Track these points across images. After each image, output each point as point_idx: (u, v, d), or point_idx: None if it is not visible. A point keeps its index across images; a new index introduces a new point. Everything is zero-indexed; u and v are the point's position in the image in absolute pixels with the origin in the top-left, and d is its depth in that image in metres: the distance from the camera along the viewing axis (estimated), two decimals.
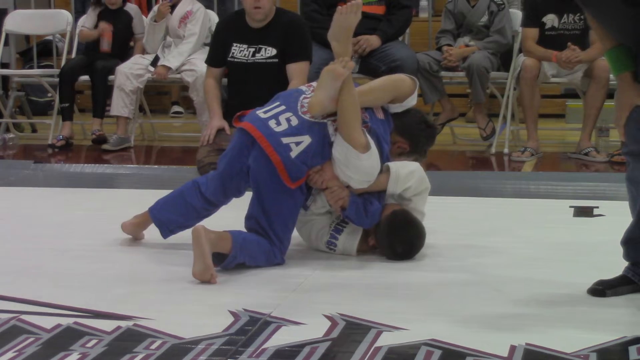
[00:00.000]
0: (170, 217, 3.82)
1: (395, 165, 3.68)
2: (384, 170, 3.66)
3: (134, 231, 3.97)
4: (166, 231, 3.82)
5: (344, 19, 3.57)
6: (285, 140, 3.54)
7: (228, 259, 3.45)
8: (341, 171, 3.58)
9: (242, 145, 3.64)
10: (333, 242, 3.75)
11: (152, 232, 4.15)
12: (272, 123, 3.59)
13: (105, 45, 7.19)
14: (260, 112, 3.67)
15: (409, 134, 3.81)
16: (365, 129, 3.60)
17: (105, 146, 6.88)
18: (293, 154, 3.53)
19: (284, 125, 3.58)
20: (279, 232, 3.58)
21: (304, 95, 3.68)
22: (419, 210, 3.77)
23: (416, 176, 3.72)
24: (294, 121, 3.59)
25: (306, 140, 3.55)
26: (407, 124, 3.80)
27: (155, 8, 7.12)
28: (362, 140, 3.53)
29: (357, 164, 3.54)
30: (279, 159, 3.52)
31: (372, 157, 3.57)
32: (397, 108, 3.79)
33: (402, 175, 3.67)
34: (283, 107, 3.65)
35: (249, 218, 3.63)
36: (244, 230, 3.62)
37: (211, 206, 3.82)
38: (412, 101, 3.81)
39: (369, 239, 3.76)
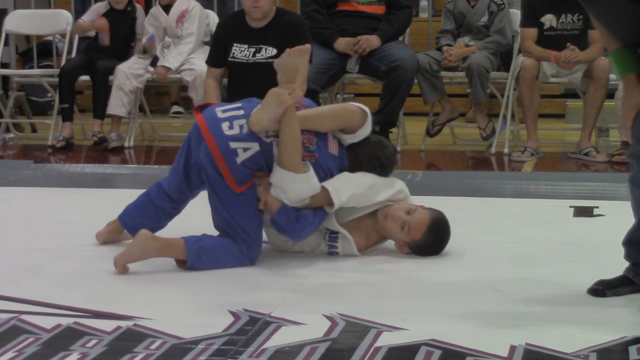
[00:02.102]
0: (141, 221, 3.81)
1: (327, 183, 3.61)
2: (320, 191, 3.60)
3: (109, 239, 3.98)
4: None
5: (291, 61, 3.59)
6: (233, 145, 3.52)
7: (187, 265, 3.50)
8: (277, 194, 3.55)
9: (194, 139, 3.64)
10: (334, 246, 3.75)
11: None
12: (224, 125, 3.57)
13: (105, 39, 7.18)
14: (219, 110, 3.64)
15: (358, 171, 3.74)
16: (311, 159, 3.58)
17: (113, 144, 6.90)
18: (239, 160, 3.51)
19: (236, 130, 3.55)
20: (242, 224, 3.55)
21: None
22: (395, 191, 3.75)
23: (353, 181, 3.66)
24: (246, 128, 3.56)
25: (254, 147, 3.53)
26: (358, 159, 3.73)
27: (140, 46, 7.11)
28: (299, 164, 3.51)
29: (290, 186, 3.51)
30: (224, 164, 3.51)
31: (309, 181, 3.53)
32: (351, 139, 3.72)
33: (339, 185, 3.62)
34: (242, 112, 3.61)
35: (213, 217, 3.63)
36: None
37: (178, 204, 3.85)
38: (365, 131, 3.73)
39: (401, 247, 3.75)
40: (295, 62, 3.59)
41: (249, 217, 3.57)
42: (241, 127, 3.56)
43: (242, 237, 3.56)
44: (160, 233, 3.69)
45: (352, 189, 3.64)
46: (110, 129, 7.04)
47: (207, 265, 3.52)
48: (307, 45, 3.61)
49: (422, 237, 3.69)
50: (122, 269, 3.47)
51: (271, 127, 3.53)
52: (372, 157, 3.75)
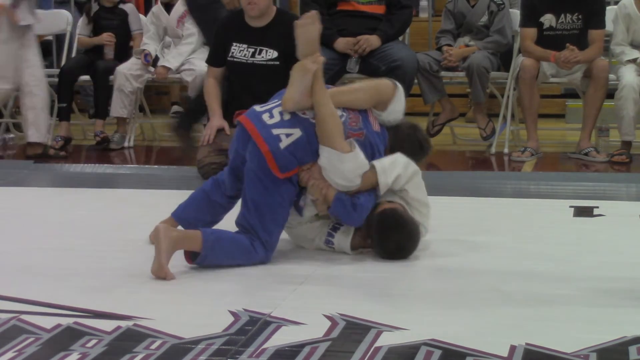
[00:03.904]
0: (195, 215, 3.84)
1: (376, 161, 3.65)
2: (369, 169, 3.63)
3: None
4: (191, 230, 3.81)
5: (305, 32, 3.60)
6: (275, 131, 3.56)
7: (199, 257, 3.48)
8: (328, 178, 3.58)
9: (240, 139, 3.67)
10: (330, 241, 3.75)
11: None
12: (265, 116, 3.62)
13: (110, 54, 7.21)
14: (257, 107, 3.71)
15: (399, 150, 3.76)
16: (360, 137, 3.61)
17: (112, 145, 6.92)
18: (282, 145, 3.54)
19: (277, 118, 3.60)
20: (268, 226, 3.56)
21: None
22: (418, 199, 3.74)
23: (401, 162, 3.69)
24: (287, 115, 3.61)
25: (297, 133, 3.57)
26: (400, 143, 3.76)
27: (137, 50, 7.13)
28: (342, 143, 3.54)
29: (340, 167, 3.54)
30: (267, 149, 3.53)
31: (357, 159, 3.56)
32: (387, 116, 3.76)
33: (387, 165, 3.64)
34: (278, 102, 3.68)
35: (240, 213, 3.64)
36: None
37: (233, 198, 3.84)
38: (398, 106, 3.77)
39: (367, 239, 3.75)
40: (310, 32, 3.60)
41: (277, 220, 3.59)
42: (281, 114, 3.61)
43: (260, 236, 3.56)
44: None
45: (398, 169, 3.65)
46: (116, 129, 7.07)
47: (219, 258, 3.50)
48: (314, 11, 3.60)
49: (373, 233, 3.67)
50: (170, 273, 3.38)
51: (303, 102, 3.56)
52: (412, 138, 3.81)
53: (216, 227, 3.80)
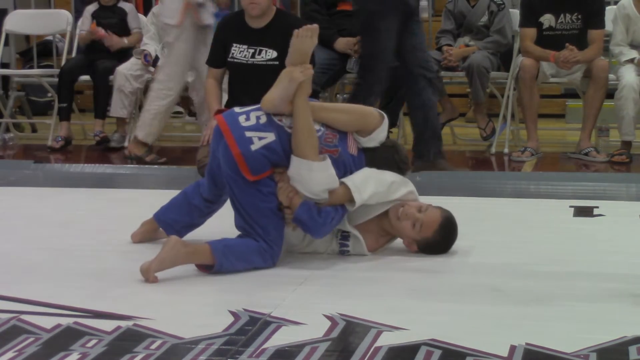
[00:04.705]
0: (175, 218, 3.88)
1: (346, 178, 3.63)
2: (339, 185, 3.60)
3: (144, 238, 4.00)
4: (172, 232, 3.82)
5: (301, 42, 3.61)
6: (248, 133, 3.55)
7: (215, 267, 3.47)
8: (293, 184, 3.56)
9: (214, 139, 3.67)
10: (346, 250, 3.76)
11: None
12: (241, 118, 3.61)
13: (110, 42, 7.20)
14: (237, 108, 3.70)
15: None
16: (334, 154, 3.60)
17: (112, 144, 6.93)
18: (254, 147, 3.52)
19: (252, 121, 3.59)
20: (261, 222, 3.54)
21: None
22: (408, 191, 3.76)
23: (372, 178, 3.67)
24: (263, 119, 3.60)
25: (270, 137, 3.55)
26: (376, 163, 3.74)
27: (136, 51, 7.13)
28: (314, 155, 3.52)
29: (307, 176, 3.51)
30: (238, 151, 3.52)
31: (326, 171, 3.54)
32: (367, 142, 3.74)
33: (359, 182, 3.62)
34: (258, 106, 3.67)
35: (234, 217, 3.63)
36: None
37: (211, 203, 3.86)
38: (381, 136, 3.76)
39: (410, 244, 3.76)
40: (306, 44, 3.61)
41: (266, 215, 3.56)
42: (258, 117, 3.60)
43: (260, 235, 3.55)
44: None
45: (373, 186, 3.64)
46: (116, 129, 7.08)
47: (235, 264, 3.49)
48: (315, 25, 3.60)
49: (433, 235, 3.71)
50: (153, 278, 3.37)
51: (282, 107, 3.56)
52: (389, 161, 3.77)
53: (197, 230, 3.87)
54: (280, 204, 3.57)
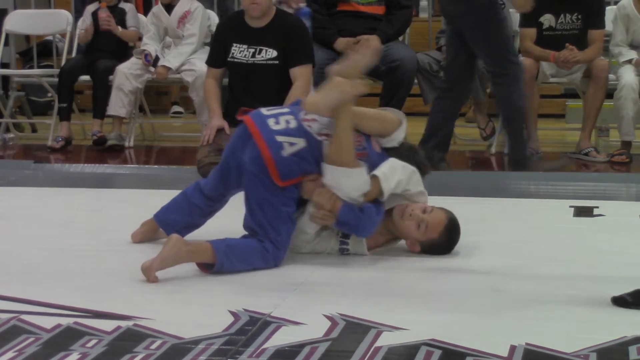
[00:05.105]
0: (176, 218, 3.87)
1: (376, 170, 3.66)
2: (371, 179, 3.64)
3: (144, 238, 3.99)
4: (172, 232, 3.81)
5: (360, 58, 3.63)
6: (279, 138, 3.55)
7: (215, 266, 3.46)
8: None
9: (239, 139, 3.67)
10: (345, 249, 3.76)
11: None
12: (270, 121, 3.61)
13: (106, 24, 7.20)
14: (264, 110, 3.71)
15: None
16: (363, 156, 3.63)
17: (111, 142, 6.92)
18: (285, 153, 3.54)
19: (282, 125, 3.60)
20: (273, 223, 3.54)
21: None
22: (418, 192, 3.77)
23: (398, 166, 3.71)
24: (293, 124, 3.60)
25: (300, 143, 3.56)
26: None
27: (137, 50, 7.14)
28: (353, 160, 3.55)
29: (345, 182, 3.54)
30: (270, 155, 3.52)
31: (362, 176, 3.58)
32: (387, 142, 3.78)
33: (388, 172, 3.66)
34: (286, 110, 3.68)
35: (245, 217, 3.63)
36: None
37: (213, 202, 3.86)
38: (400, 136, 3.80)
39: (412, 245, 3.77)
40: (363, 61, 3.63)
41: (283, 219, 3.57)
42: (287, 122, 3.60)
43: (270, 237, 3.54)
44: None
45: (398, 174, 3.67)
46: (112, 129, 7.07)
47: (235, 265, 3.48)
48: (380, 46, 3.60)
49: (439, 237, 3.72)
50: (154, 277, 3.36)
51: (323, 113, 3.56)
52: (411, 160, 3.80)
53: (197, 231, 3.85)
54: (312, 208, 3.60)
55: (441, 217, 3.73)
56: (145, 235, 4.00)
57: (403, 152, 3.80)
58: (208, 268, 3.48)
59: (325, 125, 3.58)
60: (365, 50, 3.62)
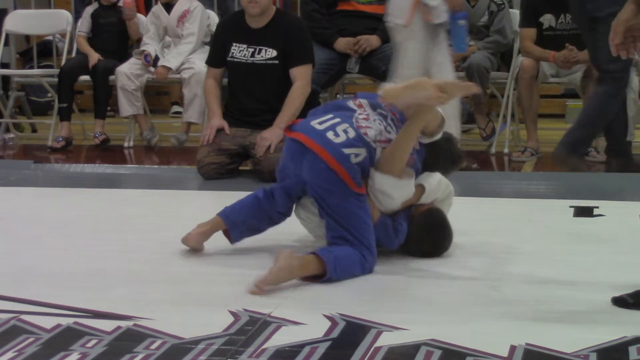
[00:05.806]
0: (245, 219, 3.76)
1: (424, 182, 3.70)
2: (415, 189, 3.68)
3: (199, 241, 3.80)
4: (237, 233, 3.76)
5: (463, 90, 3.72)
6: (346, 150, 3.52)
7: (325, 278, 3.39)
8: (373, 196, 3.58)
9: (294, 156, 3.61)
10: None
11: (152, 233, 4.15)
12: (329, 134, 3.55)
13: (129, 13, 7.23)
14: (315, 124, 3.62)
15: (433, 169, 3.81)
16: (410, 162, 3.62)
17: (154, 140, 7.02)
18: (353, 161, 3.52)
19: (342, 137, 3.54)
20: (360, 229, 3.51)
21: (358, 112, 3.66)
22: (448, 205, 3.84)
23: (442, 185, 3.76)
24: (351, 133, 3.56)
25: (363, 153, 3.54)
26: (435, 158, 3.79)
27: (134, 56, 7.14)
28: (403, 169, 3.57)
29: (391, 193, 3.56)
30: (343, 169, 3.49)
31: (409, 189, 3.62)
32: (426, 139, 3.75)
33: (432, 190, 3.72)
34: (338, 120, 3.62)
35: (328, 231, 3.56)
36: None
37: (283, 216, 3.79)
38: (439, 135, 3.77)
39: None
40: (458, 92, 3.72)
41: (366, 223, 3.54)
42: (345, 132, 3.56)
43: (364, 243, 3.50)
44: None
45: (439, 193, 3.75)
46: (139, 129, 7.09)
47: (340, 276, 3.42)
48: (476, 90, 3.60)
49: (421, 237, 3.70)
50: (263, 291, 3.24)
51: (399, 105, 3.57)
52: (446, 152, 3.84)
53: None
54: None
55: (420, 211, 3.72)
56: (203, 237, 3.78)
57: (441, 144, 3.79)
58: (315, 279, 3.39)
59: (379, 132, 3.58)
60: (468, 89, 3.63)
